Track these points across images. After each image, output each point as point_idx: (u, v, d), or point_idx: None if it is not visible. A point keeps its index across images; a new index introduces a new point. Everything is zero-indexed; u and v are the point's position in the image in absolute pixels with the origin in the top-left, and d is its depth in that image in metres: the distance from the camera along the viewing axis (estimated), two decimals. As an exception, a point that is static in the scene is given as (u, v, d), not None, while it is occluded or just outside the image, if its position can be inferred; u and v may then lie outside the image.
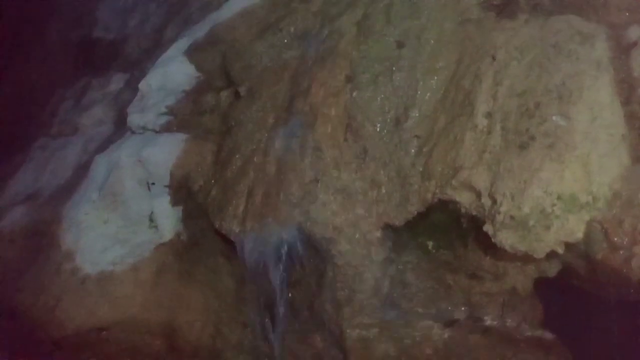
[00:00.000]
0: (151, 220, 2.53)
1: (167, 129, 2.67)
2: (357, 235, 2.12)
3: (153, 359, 2.18)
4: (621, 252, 1.50)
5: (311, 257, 2.19)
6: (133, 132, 2.78)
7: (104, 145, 2.96)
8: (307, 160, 2.18)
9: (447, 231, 2.13)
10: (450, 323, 2.07)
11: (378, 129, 2.16)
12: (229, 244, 2.39)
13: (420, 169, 2.07)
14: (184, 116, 2.68)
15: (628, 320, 2.04)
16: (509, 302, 2.03)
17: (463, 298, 2.10)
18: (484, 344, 1.96)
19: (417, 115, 2.13)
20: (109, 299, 2.27)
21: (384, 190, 2.12)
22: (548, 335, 1.99)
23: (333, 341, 2.23)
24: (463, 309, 2.09)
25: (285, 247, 2.18)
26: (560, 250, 1.60)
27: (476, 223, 1.93)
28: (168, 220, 2.50)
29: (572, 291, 2.04)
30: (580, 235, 1.55)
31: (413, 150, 2.10)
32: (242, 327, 2.45)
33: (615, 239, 1.50)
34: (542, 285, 2.02)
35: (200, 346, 2.35)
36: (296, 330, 2.35)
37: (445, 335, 2.03)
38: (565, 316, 2.19)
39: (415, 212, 2.07)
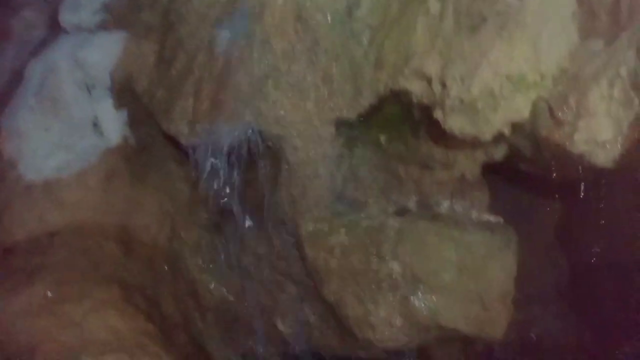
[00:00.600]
0: (95, 125, 2.42)
1: (103, 27, 2.48)
2: (309, 131, 2.08)
3: (109, 262, 2.17)
4: (565, 127, 1.53)
5: (264, 155, 2.17)
6: (67, 33, 2.58)
7: (38, 49, 2.74)
8: (256, 55, 2.08)
9: (400, 124, 2.12)
10: (402, 212, 2.13)
11: (329, 19, 2.06)
12: (179, 147, 2.33)
13: (373, 60, 2.01)
14: (121, 13, 2.48)
15: (569, 199, 2.15)
16: (458, 189, 2.09)
17: (414, 188, 2.14)
18: (433, 228, 2.03)
19: (369, 3, 2.04)
20: (57, 204, 2.21)
21: (335, 84, 2.06)
22: (494, 218, 2.08)
23: (289, 236, 2.27)
24: (414, 198, 2.14)
25: (237, 147, 2.14)
26: (507, 131, 1.62)
27: (428, 114, 1.92)
28: (113, 124, 2.40)
29: (518, 175, 2.11)
30: (526, 114, 1.57)
31: (365, 41, 2.03)
32: (198, 228, 2.46)
33: (560, 115, 1.52)
34: (489, 171, 2.08)
35: (157, 248, 2.35)
36: (253, 228, 2.37)
37: (397, 224, 2.08)
38: (511, 199, 2.29)
39: (368, 104, 2.04)
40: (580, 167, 1.63)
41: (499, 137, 1.70)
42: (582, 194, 1.92)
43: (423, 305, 2.02)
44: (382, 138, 2.17)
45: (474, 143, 1.81)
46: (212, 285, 2.45)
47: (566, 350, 2.38)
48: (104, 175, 2.33)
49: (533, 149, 1.78)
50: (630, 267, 2.13)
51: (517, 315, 2.25)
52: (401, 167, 2.16)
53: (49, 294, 1.98)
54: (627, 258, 2.15)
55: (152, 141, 2.45)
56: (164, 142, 2.46)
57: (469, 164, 2.01)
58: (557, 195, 2.23)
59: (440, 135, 1.98)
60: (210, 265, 2.45)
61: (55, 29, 2.77)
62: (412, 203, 2.16)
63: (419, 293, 2.04)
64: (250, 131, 2.09)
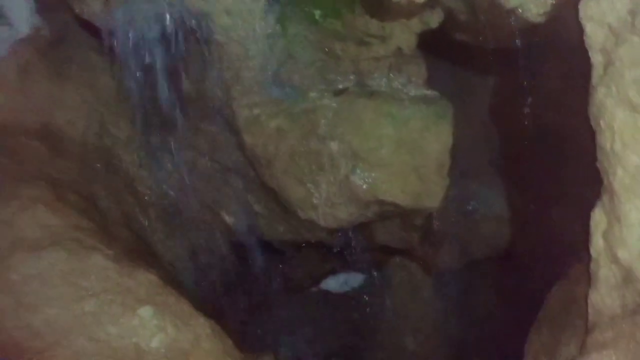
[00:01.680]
0: (1, 15, 2.17)
1: None
2: (238, 7, 1.95)
3: (35, 161, 2.04)
4: (499, -22, 1.48)
5: (190, 36, 2.02)
6: None
7: None
8: None
9: (334, -4, 2.02)
10: (339, 92, 2.08)
11: None
12: (98, 35, 2.14)
13: None
14: None
15: (503, 70, 2.17)
16: (395, 65, 2.04)
17: (351, 66, 2.08)
18: (371, 106, 2.01)
19: None
20: (-31, 103, 2.03)
21: (263, -47, 1.90)
22: (431, 93, 2.07)
23: (225, 123, 2.20)
24: (352, 77, 2.08)
25: (160, 28, 1.98)
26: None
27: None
28: (20, 12, 2.16)
29: (454, 48, 2.09)
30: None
31: None
32: (130, 123, 2.34)
33: (494, -34, 1.47)
34: (426, 45, 2.04)
35: (87, 145, 2.23)
36: (186, 119, 2.28)
37: (335, 104, 2.04)
38: (447, 74, 2.28)
39: (299, -25, 1.91)
40: (513, 27, 1.61)
41: (433, 1, 1.64)
42: (515, 63, 1.92)
43: (363, 181, 2.04)
44: (317, 14, 2.06)
45: (409, 10, 1.74)
46: (151, 181, 2.38)
47: (500, 218, 2.52)
48: (17, 70, 2.13)
49: (468, 12, 1.74)
50: (559, 135, 2.21)
51: (454, 189, 2.34)
52: (337, 45, 2.07)
53: (-28, 195, 1.86)
54: (556, 127, 2.23)
55: (67, 29, 2.23)
56: (81, 31, 2.25)
57: (405, 36, 1.95)
58: (492, 68, 2.23)
59: (376, 6, 1.91)
60: (147, 161, 2.37)
61: None
62: (349, 82, 2.10)
63: (358, 170, 2.05)
64: (172, 8, 1.92)
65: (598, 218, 1.26)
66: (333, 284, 2.90)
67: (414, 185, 2.05)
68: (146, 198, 2.37)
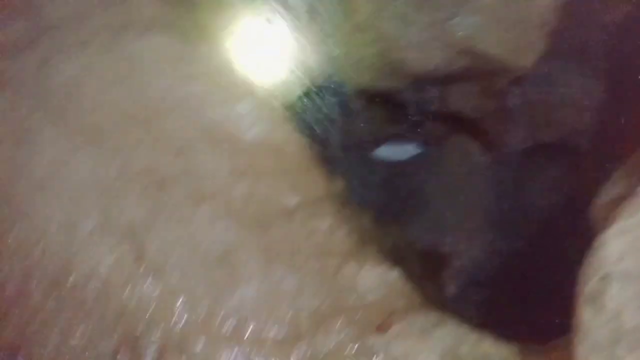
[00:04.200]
0: None
1: None
2: None
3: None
4: None
5: None
6: None
7: None
8: None
9: None
10: None
11: None
12: None
13: None
14: None
15: None
16: None
17: None
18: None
19: None
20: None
21: None
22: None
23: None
24: None
25: None
26: None
27: None
28: None
29: None
30: None
31: None
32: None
33: None
34: None
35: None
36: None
37: None
38: None
39: None
40: None
41: None
42: None
43: (462, 27, 2.01)
44: None
45: None
46: None
47: (577, 104, 2.46)
48: None
49: None
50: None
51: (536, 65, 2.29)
52: None
53: None
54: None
55: None
56: None
57: None
58: None
59: None
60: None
61: None
62: None
63: (459, 15, 2.01)
64: None
65: None
66: (389, 150, 2.90)
67: (512, 39, 2.01)
68: None
